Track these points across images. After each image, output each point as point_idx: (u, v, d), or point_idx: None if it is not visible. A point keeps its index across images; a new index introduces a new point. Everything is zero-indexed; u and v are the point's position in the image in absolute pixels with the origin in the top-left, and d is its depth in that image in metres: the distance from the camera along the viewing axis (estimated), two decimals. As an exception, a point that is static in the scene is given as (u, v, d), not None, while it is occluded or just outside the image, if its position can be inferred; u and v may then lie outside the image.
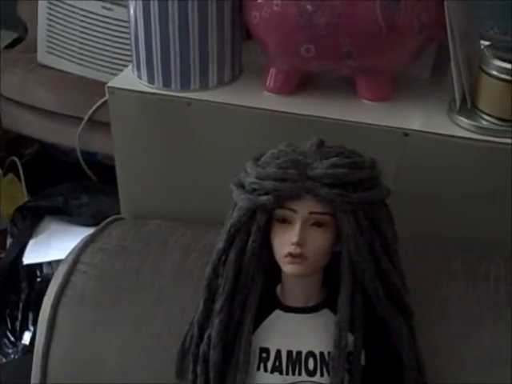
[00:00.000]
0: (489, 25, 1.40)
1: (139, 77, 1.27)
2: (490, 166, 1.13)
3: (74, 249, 1.26)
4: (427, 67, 1.31)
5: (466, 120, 1.14)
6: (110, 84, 1.26)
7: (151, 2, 1.15)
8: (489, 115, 1.13)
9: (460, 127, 1.14)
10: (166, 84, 1.23)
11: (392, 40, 1.11)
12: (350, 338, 0.95)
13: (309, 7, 1.09)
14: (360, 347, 0.95)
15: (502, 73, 1.08)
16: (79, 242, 1.27)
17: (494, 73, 1.09)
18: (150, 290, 1.17)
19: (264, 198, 0.93)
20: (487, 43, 1.19)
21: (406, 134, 1.14)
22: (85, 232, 1.41)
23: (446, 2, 1.09)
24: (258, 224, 0.94)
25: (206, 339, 0.99)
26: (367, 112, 1.19)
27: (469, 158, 1.14)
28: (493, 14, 1.40)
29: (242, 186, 0.97)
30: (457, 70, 1.12)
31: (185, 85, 1.23)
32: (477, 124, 1.13)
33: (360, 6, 1.08)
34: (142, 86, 1.26)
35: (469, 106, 1.15)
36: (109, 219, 1.33)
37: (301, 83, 1.25)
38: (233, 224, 0.96)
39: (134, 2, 1.18)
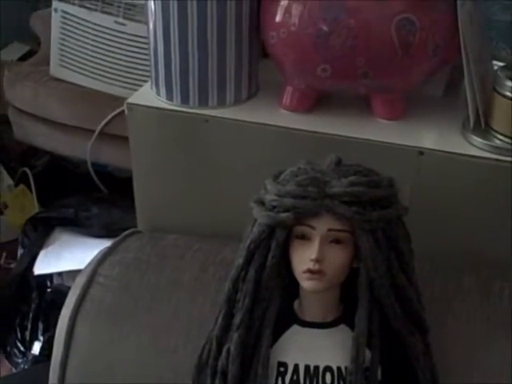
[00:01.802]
0: (500, 45, 1.41)
1: (158, 93, 1.29)
2: (504, 184, 1.14)
3: (92, 261, 1.27)
4: (440, 86, 1.32)
5: (479, 139, 1.15)
6: (129, 100, 1.28)
7: (171, 20, 1.17)
8: (502, 135, 1.14)
9: (474, 146, 1.15)
10: (184, 101, 1.25)
11: (407, 61, 1.13)
12: (367, 353, 0.95)
13: (325, 28, 1.10)
14: (377, 363, 0.96)
15: (516, 94, 1.10)
16: (97, 254, 1.28)
17: (508, 94, 1.11)
18: (167, 303, 1.18)
19: (284, 215, 0.94)
20: (500, 64, 1.20)
21: (421, 153, 1.15)
22: (95, 243, 1.42)
23: (460, 24, 1.11)
24: (278, 240, 0.95)
25: (224, 353, 0.99)
26: (382, 130, 1.21)
27: (483, 176, 1.15)
28: (504, 36, 1.41)
29: (261, 203, 0.98)
30: (471, 90, 1.14)
31: (203, 102, 1.25)
32: (490, 143, 1.14)
33: (376, 28, 1.10)
34: (161, 102, 1.28)
35: (482, 126, 1.16)
36: (126, 232, 1.34)
37: (317, 101, 1.26)
38: (252, 240, 0.97)
39: (153, 19, 1.20)
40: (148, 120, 1.28)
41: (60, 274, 1.90)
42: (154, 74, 1.27)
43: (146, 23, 1.24)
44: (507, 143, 1.13)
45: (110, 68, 2.03)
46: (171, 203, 1.36)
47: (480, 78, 1.15)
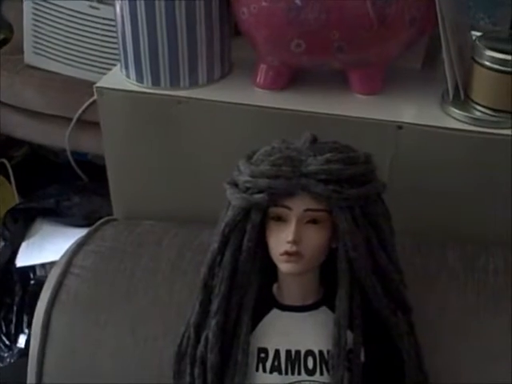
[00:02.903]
0: (478, 15, 1.39)
1: (128, 76, 1.25)
2: (485, 156, 1.13)
3: (66, 252, 1.25)
4: (419, 58, 1.31)
5: (459, 111, 1.13)
6: (98, 84, 1.25)
7: (138, 1, 1.14)
8: (482, 106, 1.12)
9: (453, 119, 1.14)
10: (155, 82, 1.22)
11: (383, 33, 1.10)
12: (349, 335, 0.94)
13: (298, 2, 1.07)
14: (359, 344, 0.94)
15: (495, 63, 1.08)
16: (72, 245, 1.26)
17: (487, 63, 1.09)
18: (144, 291, 1.16)
19: (258, 196, 0.92)
20: (478, 34, 1.18)
21: (400, 127, 1.13)
22: (77, 233, 1.40)
23: (436, -7, 1.08)
24: (253, 223, 0.93)
25: (202, 341, 0.97)
26: (360, 106, 1.19)
27: (463, 149, 1.13)
28: (482, 5, 1.39)
29: (235, 184, 0.96)
30: (449, 61, 1.12)
31: (174, 83, 1.22)
32: (470, 115, 1.12)
33: (350, 0, 1.07)
34: (131, 85, 1.24)
35: (462, 98, 1.15)
36: (101, 221, 1.32)
37: (292, 78, 1.24)
38: (227, 223, 0.95)
39: (120, 0, 1.17)
40: (119, 104, 1.25)
41: (43, 265, 1.89)
42: (122, 56, 1.24)
43: (113, 5, 1.20)
44: (487, 114, 1.12)
45: (86, 54, 2.00)
46: (146, 189, 1.33)
47: (458, 49, 1.13)
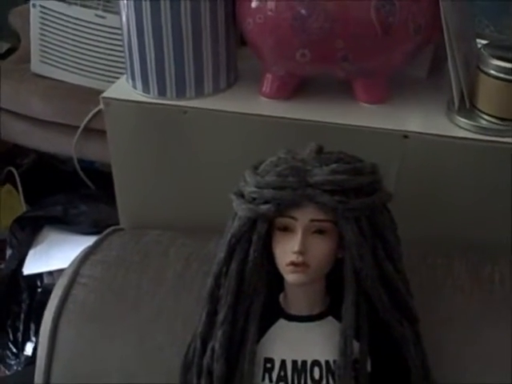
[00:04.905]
0: (484, 24, 1.39)
1: (134, 86, 1.26)
2: (491, 165, 1.12)
3: (73, 261, 1.25)
4: (424, 67, 1.30)
5: (465, 120, 1.13)
6: (104, 94, 1.25)
7: (144, 11, 1.14)
8: (488, 115, 1.12)
9: (459, 127, 1.13)
10: (161, 93, 1.22)
11: (388, 42, 1.10)
12: (356, 345, 0.93)
13: (303, 12, 1.08)
14: (366, 354, 0.94)
15: (500, 72, 1.08)
16: (79, 254, 1.26)
17: (492, 72, 1.09)
18: (151, 301, 1.16)
19: (264, 206, 0.92)
20: (484, 42, 1.18)
21: (406, 136, 1.13)
22: (84, 240, 1.40)
23: (441, 3, 1.08)
24: (259, 233, 0.93)
25: (209, 351, 0.97)
26: (365, 115, 1.19)
27: (469, 158, 1.13)
28: (487, 13, 1.39)
29: (241, 195, 0.96)
30: (454, 70, 1.12)
31: (180, 93, 1.22)
32: (476, 124, 1.12)
33: (354, 9, 1.07)
34: (137, 95, 1.25)
35: (467, 106, 1.15)
36: (108, 230, 1.32)
37: (297, 88, 1.24)
38: (233, 234, 0.95)
39: (126, 10, 1.17)
40: (125, 114, 1.26)
41: (50, 273, 1.89)
42: (129, 67, 1.25)
43: (119, 15, 1.20)
44: (493, 123, 1.11)
45: (92, 62, 2.01)
46: (153, 198, 1.34)
47: (463, 57, 1.13)
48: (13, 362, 1.89)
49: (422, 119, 1.19)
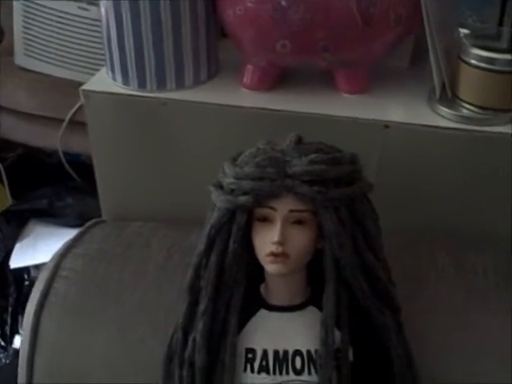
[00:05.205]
0: (466, 13, 1.39)
1: (114, 79, 1.25)
2: (472, 154, 1.13)
3: (55, 254, 1.24)
4: (406, 57, 1.31)
5: (446, 110, 1.13)
6: (84, 87, 1.25)
7: (122, 3, 1.13)
8: (469, 104, 1.12)
9: (441, 117, 1.14)
10: (142, 85, 1.22)
11: (368, 33, 1.10)
12: (337, 334, 0.94)
13: (283, 2, 1.07)
14: (347, 344, 0.94)
15: (481, 61, 1.08)
16: (60, 248, 1.26)
17: (473, 61, 1.09)
18: (132, 293, 1.16)
19: (243, 198, 0.92)
20: (466, 32, 1.18)
21: (387, 126, 1.13)
22: (71, 233, 1.40)
23: (421, -8, 1.08)
24: (238, 224, 0.93)
25: (190, 342, 0.97)
26: (347, 105, 1.18)
27: (451, 147, 1.13)
28: (469, 3, 1.39)
29: (220, 186, 0.96)
30: (435, 60, 1.12)
31: (160, 85, 1.21)
32: (457, 113, 1.12)
33: (335, 0, 1.07)
34: (117, 87, 1.24)
35: (449, 96, 1.15)
36: (89, 223, 1.32)
37: (278, 79, 1.23)
38: (213, 225, 0.95)
39: (104, 2, 1.16)
40: (105, 106, 1.25)
41: (37, 266, 1.88)
42: (108, 59, 1.24)
43: (98, 6, 1.20)
44: (474, 112, 1.12)
45: (77, 55, 1.99)
46: (134, 190, 1.33)
47: (445, 47, 1.13)
48: (1, 355, 1.88)
49: (403, 109, 1.19)
